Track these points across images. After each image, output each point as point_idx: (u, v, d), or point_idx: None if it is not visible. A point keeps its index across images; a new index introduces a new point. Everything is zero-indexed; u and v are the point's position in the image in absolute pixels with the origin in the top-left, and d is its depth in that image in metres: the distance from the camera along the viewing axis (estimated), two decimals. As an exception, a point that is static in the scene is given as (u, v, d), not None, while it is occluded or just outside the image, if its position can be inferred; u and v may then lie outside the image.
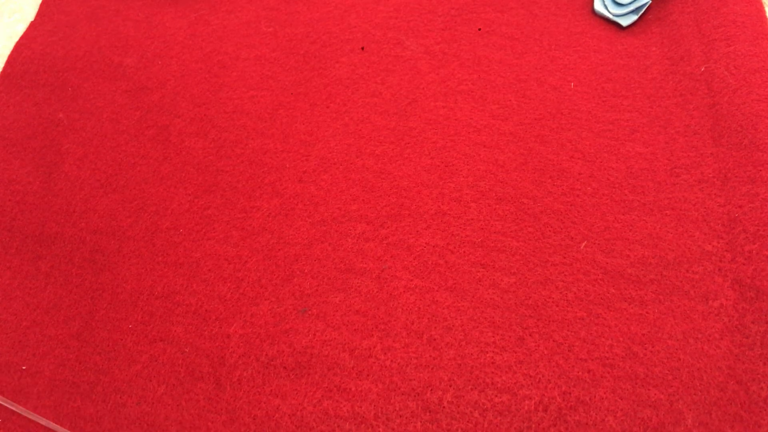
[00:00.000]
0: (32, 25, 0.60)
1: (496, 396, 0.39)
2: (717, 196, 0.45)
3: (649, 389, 0.39)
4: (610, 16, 0.55)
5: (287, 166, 0.50)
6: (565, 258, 0.44)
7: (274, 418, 0.40)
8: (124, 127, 0.53)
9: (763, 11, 0.52)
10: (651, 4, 0.55)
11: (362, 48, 0.56)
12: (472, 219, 0.46)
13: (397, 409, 0.39)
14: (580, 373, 0.40)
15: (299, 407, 0.40)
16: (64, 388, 0.42)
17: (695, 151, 0.47)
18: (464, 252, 0.45)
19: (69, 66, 0.57)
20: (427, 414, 0.39)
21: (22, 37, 0.59)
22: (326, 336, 0.42)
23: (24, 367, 0.43)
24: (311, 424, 0.39)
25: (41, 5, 0.62)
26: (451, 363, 0.41)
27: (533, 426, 0.38)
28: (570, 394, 0.39)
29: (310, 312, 0.43)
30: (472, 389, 0.40)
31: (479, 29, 0.56)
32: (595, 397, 0.39)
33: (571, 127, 0.49)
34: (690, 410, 0.38)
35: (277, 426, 0.40)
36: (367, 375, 0.41)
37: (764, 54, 0.50)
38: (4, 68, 0.57)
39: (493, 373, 0.40)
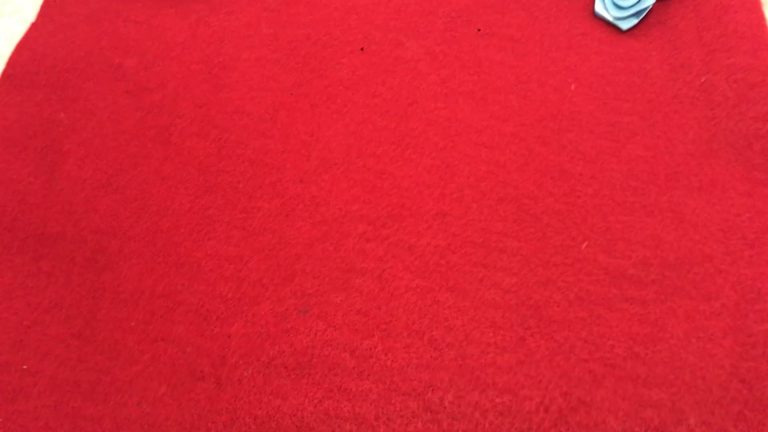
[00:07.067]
0: (33, 26, 0.60)
1: (497, 396, 0.39)
2: (715, 203, 0.45)
3: (650, 389, 0.39)
4: (611, 19, 0.55)
5: (288, 166, 0.50)
6: (566, 258, 0.44)
7: (275, 419, 0.40)
8: (125, 127, 0.53)
9: (764, 21, 0.52)
10: (652, 7, 0.55)
11: (361, 49, 0.56)
12: (473, 219, 0.46)
13: (398, 409, 0.39)
14: (581, 373, 0.40)
15: (300, 407, 0.40)
16: (64, 388, 0.42)
17: (694, 160, 0.47)
18: (465, 252, 0.45)
19: (70, 67, 0.57)
20: (428, 414, 0.39)
21: (23, 38, 0.59)
22: (327, 336, 0.42)
23: (25, 367, 0.43)
24: (312, 425, 0.39)
25: (42, 6, 0.62)
26: (452, 363, 0.41)
27: (534, 427, 0.38)
28: (571, 394, 0.39)
29: (311, 312, 0.43)
30: (473, 390, 0.40)
31: (479, 30, 0.56)
32: (596, 397, 0.39)
33: (572, 129, 0.50)
34: (692, 410, 0.38)
35: (278, 426, 0.40)
36: (368, 375, 0.41)
37: (764, 67, 0.50)
38: (5, 69, 0.57)
39: (494, 373, 0.40)
